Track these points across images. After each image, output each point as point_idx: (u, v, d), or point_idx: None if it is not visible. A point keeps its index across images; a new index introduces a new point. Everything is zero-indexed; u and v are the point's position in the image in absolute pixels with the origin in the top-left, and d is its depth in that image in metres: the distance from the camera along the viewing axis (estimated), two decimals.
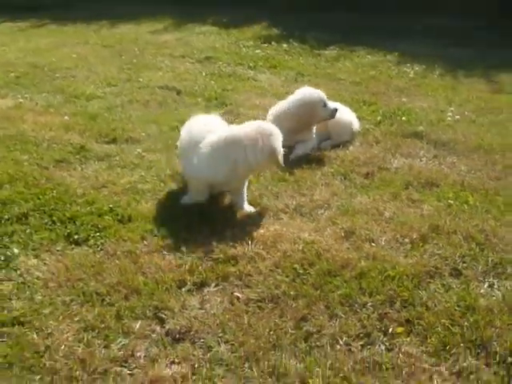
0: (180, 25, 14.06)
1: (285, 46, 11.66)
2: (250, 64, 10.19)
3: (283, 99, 6.65)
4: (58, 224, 4.84)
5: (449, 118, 7.38)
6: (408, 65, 10.27)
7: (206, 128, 5.16)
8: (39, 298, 3.97)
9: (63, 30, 13.80)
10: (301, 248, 4.44)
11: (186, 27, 13.84)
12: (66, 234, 4.70)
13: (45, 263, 4.34)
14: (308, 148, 6.27)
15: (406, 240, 4.59)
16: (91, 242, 4.61)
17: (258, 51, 11.30)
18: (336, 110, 6.30)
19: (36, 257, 4.42)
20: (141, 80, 9.04)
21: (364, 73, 9.75)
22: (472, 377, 3.32)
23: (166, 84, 8.78)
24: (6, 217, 4.91)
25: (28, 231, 4.72)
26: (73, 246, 4.58)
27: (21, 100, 8.03)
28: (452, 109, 7.77)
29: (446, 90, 8.72)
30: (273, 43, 11.89)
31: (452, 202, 5.20)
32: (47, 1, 16.80)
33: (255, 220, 4.90)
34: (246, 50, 11.42)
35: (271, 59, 10.62)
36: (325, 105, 6.24)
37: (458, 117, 7.44)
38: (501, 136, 6.78)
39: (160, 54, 10.98)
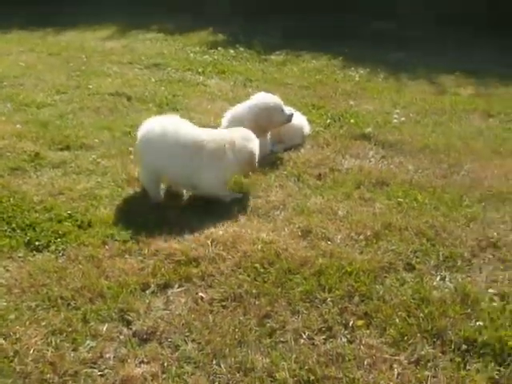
0: (125, 32, 14.00)
1: (232, 51, 11.75)
2: (199, 70, 10.25)
3: (233, 104, 6.79)
4: (18, 231, 4.86)
5: (395, 120, 7.61)
6: (352, 68, 10.48)
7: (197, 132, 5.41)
8: (4, 304, 4.00)
9: (6, 37, 13.58)
10: (260, 248, 4.56)
11: (131, 34, 13.79)
12: (26, 240, 4.73)
13: (7, 270, 4.37)
14: (264, 152, 6.40)
15: (361, 237, 4.76)
16: (52, 247, 4.65)
17: (205, 57, 11.38)
18: (292, 114, 6.44)
19: None
20: (90, 87, 9.02)
21: (311, 77, 9.93)
22: (429, 364, 3.50)
23: (116, 90, 8.78)
24: None
25: None
26: (34, 252, 4.61)
27: None
28: (397, 111, 8.00)
29: (391, 93, 8.97)
30: (219, 49, 11.97)
31: (402, 200, 5.40)
32: None
33: (214, 222, 5.00)
34: (194, 56, 11.48)
35: (219, 65, 10.70)
36: (282, 110, 6.37)
37: (403, 118, 7.68)
38: (445, 136, 7.04)
39: (107, 61, 10.94)
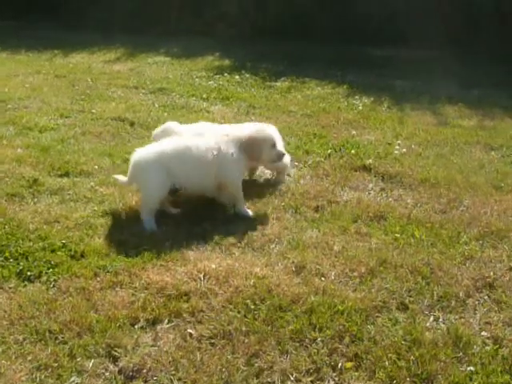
0: (133, 55, 14.14)
1: (237, 77, 11.81)
2: (203, 95, 10.29)
3: None
4: (11, 260, 4.84)
5: (396, 152, 7.57)
6: (357, 97, 10.49)
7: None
8: None
9: (15, 58, 13.77)
10: (252, 283, 4.52)
11: (139, 57, 13.93)
12: (18, 270, 4.70)
13: None
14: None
15: (355, 274, 4.71)
16: (44, 278, 4.62)
17: (210, 82, 11.44)
18: (283, 154, 6.07)
19: None
20: (94, 111, 9.07)
21: (314, 105, 9.93)
22: None
23: (120, 115, 8.82)
24: None
25: None
26: (25, 282, 4.58)
27: None
28: (399, 142, 7.97)
29: (394, 123, 8.93)
30: (225, 74, 12.04)
31: (399, 235, 5.35)
32: None
33: (208, 254, 4.98)
34: (199, 81, 11.54)
35: (224, 90, 10.75)
36: (274, 146, 5.98)
37: (404, 150, 7.64)
38: (446, 169, 6.99)
39: (113, 85, 11.03)
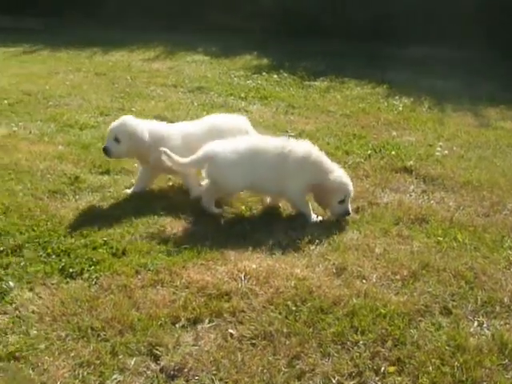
0: (172, 53, 14.24)
1: (275, 76, 11.84)
2: (241, 95, 10.32)
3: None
4: (53, 256, 4.90)
5: (437, 153, 7.50)
6: (397, 97, 10.44)
7: None
8: (35, 332, 4.00)
9: (56, 55, 13.95)
10: (293, 284, 4.50)
11: (178, 56, 14.03)
12: (60, 267, 4.75)
13: (40, 297, 4.38)
14: None
15: (397, 277, 4.66)
16: (86, 275, 4.66)
17: (248, 82, 11.47)
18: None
19: (31, 290, 4.46)
20: (133, 109, 9.13)
21: (354, 105, 9.89)
22: None
23: (159, 114, 8.83)
24: (1, 248, 4.97)
25: (23, 263, 4.78)
26: (67, 279, 4.62)
27: (15, 128, 8.12)
28: (441, 143, 7.90)
29: (435, 124, 8.86)
30: (263, 73, 12.06)
31: (441, 238, 5.29)
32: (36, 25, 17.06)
33: (248, 255, 4.97)
34: (237, 80, 11.58)
35: (262, 90, 10.77)
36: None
37: (446, 152, 7.56)
38: (489, 172, 6.90)
39: (152, 83, 11.13)
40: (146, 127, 6.13)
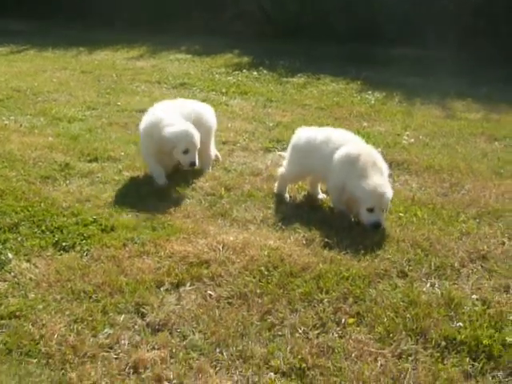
0: (155, 52, 14.64)
1: (255, 73, 12.27)
2: (223, 90, 10.76)
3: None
4: (47, 233, 5.34)
5: (404, 141, 8.00)
6: (370, 92, 10.89)
7: None
8: (32, 295, 4.46)
9: (43, 55, 14.33)
10: (266, 253, 4.98)
11: (162, 54, 14.42)
12: (54, 241, 5.21)
13: (36, 266, 4.84)
14: None
15: (360, 247, 5.14)
16: (78, 248, 5.12)
17: (229, 78, 11.90)
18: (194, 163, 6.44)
19: (28, 261, 4.92)
20: (119, 104, 9.57)
21: (328, 99, 10.34)
22: (411, 358, 3.89)
23: (144, 108, 9.18)
24: None
25: (19, 239, 5.23)
26: (61, 251, 5.09)
27: (6, 122, 8.53)
28: (408, 133, 8.39)
29: (404, 116, 9.35)
30: (244, 71, 12.48)
31: (402, 214, 5.77)
32: (23, 27, 17.42)
33: (226, 229, 5.45)
34: (219, 77, 12.01)
35: (242, 86, 11.21)
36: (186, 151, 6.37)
37: (412, 140, 8.06)
38: (450, 157, 7.41)
39: (137, 80, 11.54)
40: None
